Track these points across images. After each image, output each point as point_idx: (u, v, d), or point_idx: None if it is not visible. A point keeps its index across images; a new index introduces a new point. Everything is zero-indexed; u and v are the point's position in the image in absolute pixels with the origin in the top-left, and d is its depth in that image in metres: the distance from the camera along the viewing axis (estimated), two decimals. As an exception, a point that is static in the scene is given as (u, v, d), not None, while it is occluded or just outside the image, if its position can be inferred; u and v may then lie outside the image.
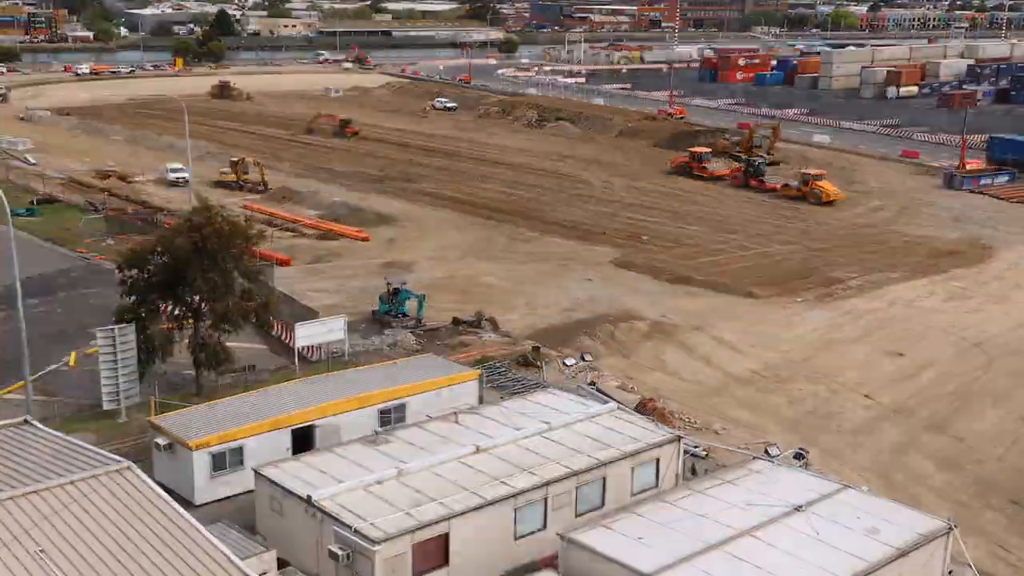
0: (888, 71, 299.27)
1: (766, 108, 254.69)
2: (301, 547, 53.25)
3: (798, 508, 51.53)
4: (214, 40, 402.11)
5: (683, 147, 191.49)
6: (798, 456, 66.65)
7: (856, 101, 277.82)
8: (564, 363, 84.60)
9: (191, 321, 75.92)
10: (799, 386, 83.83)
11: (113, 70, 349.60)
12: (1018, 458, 72.83)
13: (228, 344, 77.26)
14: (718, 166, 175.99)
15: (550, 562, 50.03)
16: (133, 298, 74.99)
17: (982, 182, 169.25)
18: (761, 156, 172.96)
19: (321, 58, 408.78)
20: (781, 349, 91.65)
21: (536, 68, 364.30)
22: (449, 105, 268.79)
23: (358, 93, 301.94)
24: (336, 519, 51.03)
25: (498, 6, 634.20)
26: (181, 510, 44.65)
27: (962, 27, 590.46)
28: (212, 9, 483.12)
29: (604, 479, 57.66)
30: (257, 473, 56.67)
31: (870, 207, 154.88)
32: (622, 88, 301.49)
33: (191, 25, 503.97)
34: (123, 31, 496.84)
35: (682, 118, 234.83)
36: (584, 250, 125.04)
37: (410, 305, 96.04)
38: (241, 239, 75.96)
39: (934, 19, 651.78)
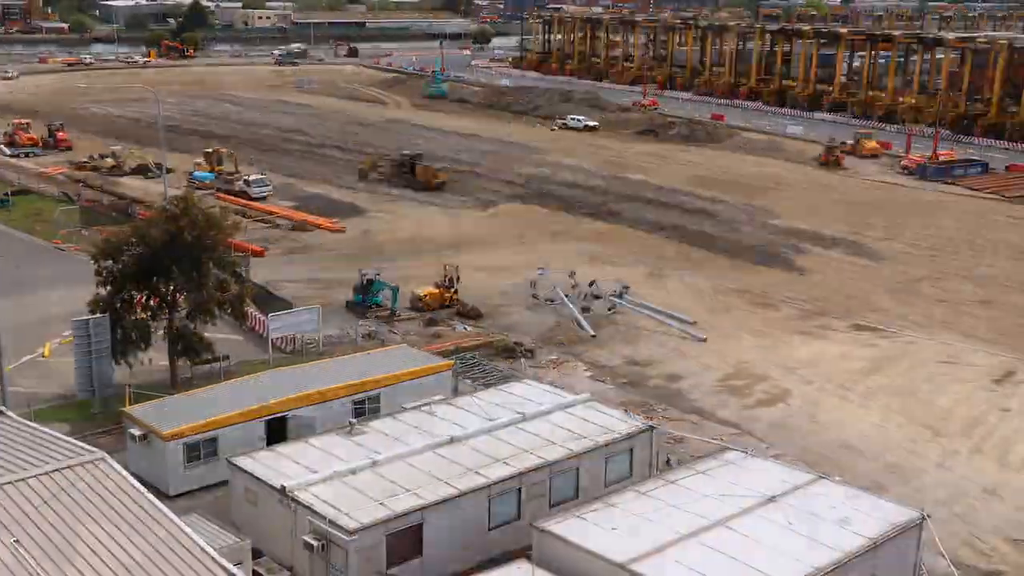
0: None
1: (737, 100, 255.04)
2: (275, 537, 53.20)
3: (771, 499, 51.59)
4: (188, 32, 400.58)
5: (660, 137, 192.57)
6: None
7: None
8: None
9: (166, 312, 75.74)
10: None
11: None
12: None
13: (202, 335, 77.09)
14: None
15: (524, 552, 50.02)
16: (108, 289, 74.79)
17: (954, 172, 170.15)
18: None
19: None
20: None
21: (508, 60, 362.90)
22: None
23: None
24: (310, 509, 51.00)
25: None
26: (155, 501, 44.52)
27: (935, 18, 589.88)
28: (186, 0, 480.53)
29: (578, 470, 57.74)
30: (231, 463, 56.60)
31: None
32: (595, 81, 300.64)
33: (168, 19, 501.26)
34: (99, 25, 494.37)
35: (656, 109, 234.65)
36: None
37: (385, 295, 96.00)
38: (216, 230, 75.77)
39: (910, 10, 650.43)
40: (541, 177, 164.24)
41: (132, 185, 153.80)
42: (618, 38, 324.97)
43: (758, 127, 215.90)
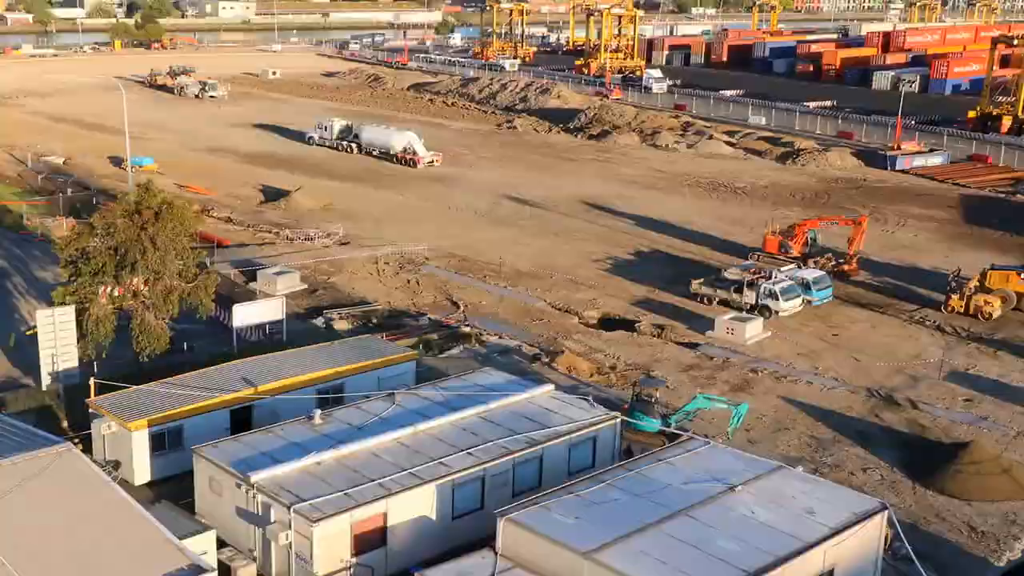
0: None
1: (700, 91, 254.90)
2: (240, 527, 53.11)
3: (733, 488, 51.73)
4: (152, 23, 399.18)
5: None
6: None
7: (776, 79, 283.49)
8: None
9: (131, 302, 75.48)
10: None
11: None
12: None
13: (167, 325, 76.86)
14: None
15: (487, 541, 50.09)
16: (73, 279, 74.54)
17: (916, 163, 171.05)
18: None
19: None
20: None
21: (475, 50, 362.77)
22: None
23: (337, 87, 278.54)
24: (275, 499, 50.94)
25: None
26: (120, 490, 44.58)
27: (897, 9, 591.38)
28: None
29: (541, 459, 57.78)
30: (196, 453, 56.45)
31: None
32: (557, 69, 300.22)
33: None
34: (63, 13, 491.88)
35: (619, 100, 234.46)
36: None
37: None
38: (181, 221, 75.54)
39: (870, 1, 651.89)
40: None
41: (99, 175, 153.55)
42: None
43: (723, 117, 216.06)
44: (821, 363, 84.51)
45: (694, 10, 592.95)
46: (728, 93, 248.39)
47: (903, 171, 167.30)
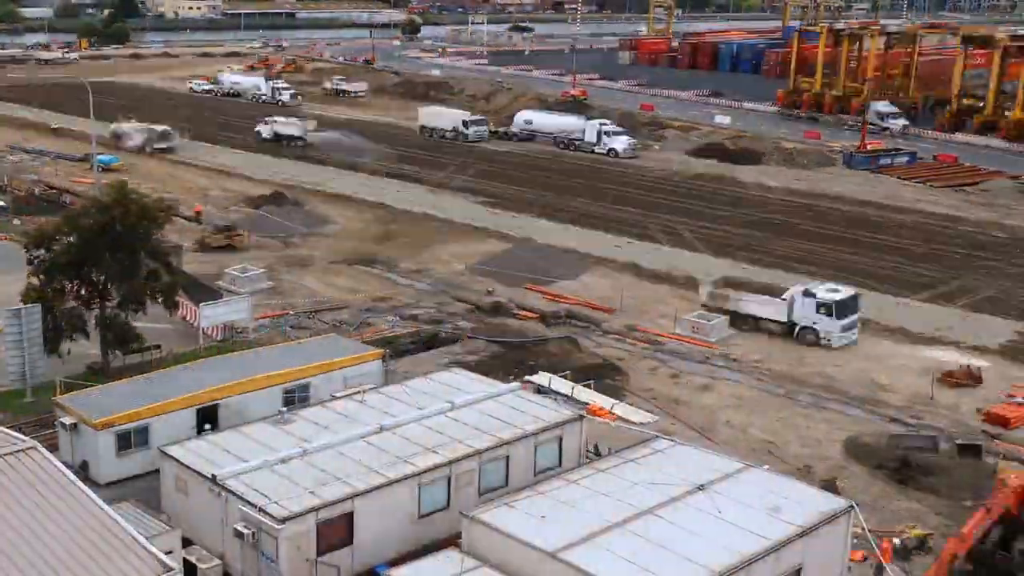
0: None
1: (670, 90, 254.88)
2: (206, 526, 52.71)
3: (701, 487, 51.50)
4: (119, 22, 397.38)
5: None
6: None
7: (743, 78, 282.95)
8: None
9: (98, 301, 75.06)
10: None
11: None
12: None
13: (135, 324, 76.44)
14: None
15: (453, 540, 49.89)
16: (40, 278, 74.09)
17: (881, 162, 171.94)
18: None
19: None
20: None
21: (440, 49, 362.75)
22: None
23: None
24: (241, 498, 50.56)
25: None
26: (86, 489, 44.16)
27: (863, 8, 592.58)
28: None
29: (507, 458, 57.52)
30: (162, 452, 56.03)
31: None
32: (524, 69, 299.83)
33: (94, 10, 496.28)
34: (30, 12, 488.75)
35: (584, 99, 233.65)
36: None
37: None
38: (149, 220, 75.14)
39: (836, 0, 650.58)
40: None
41: (65, 175, 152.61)
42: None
43: (691, 118, 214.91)
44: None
45: (659, 10, 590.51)
46: (692, 92, 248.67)
47: (868, 169, 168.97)
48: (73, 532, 41.02)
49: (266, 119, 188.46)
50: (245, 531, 49.46)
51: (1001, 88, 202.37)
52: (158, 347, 79.37)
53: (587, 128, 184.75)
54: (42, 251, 73.89)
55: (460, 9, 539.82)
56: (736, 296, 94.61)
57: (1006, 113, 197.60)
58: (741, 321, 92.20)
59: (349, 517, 51.18)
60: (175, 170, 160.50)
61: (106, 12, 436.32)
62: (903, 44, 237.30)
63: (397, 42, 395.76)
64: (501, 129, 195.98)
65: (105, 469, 60.01)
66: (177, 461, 54.70)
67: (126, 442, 60.57)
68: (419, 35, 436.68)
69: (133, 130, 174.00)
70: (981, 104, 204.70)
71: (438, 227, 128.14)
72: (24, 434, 49.78)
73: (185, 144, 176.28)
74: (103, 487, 56.80)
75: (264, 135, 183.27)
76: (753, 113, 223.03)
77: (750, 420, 74.59)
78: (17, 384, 71.85)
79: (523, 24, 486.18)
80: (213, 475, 52.18)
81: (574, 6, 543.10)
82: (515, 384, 66.87)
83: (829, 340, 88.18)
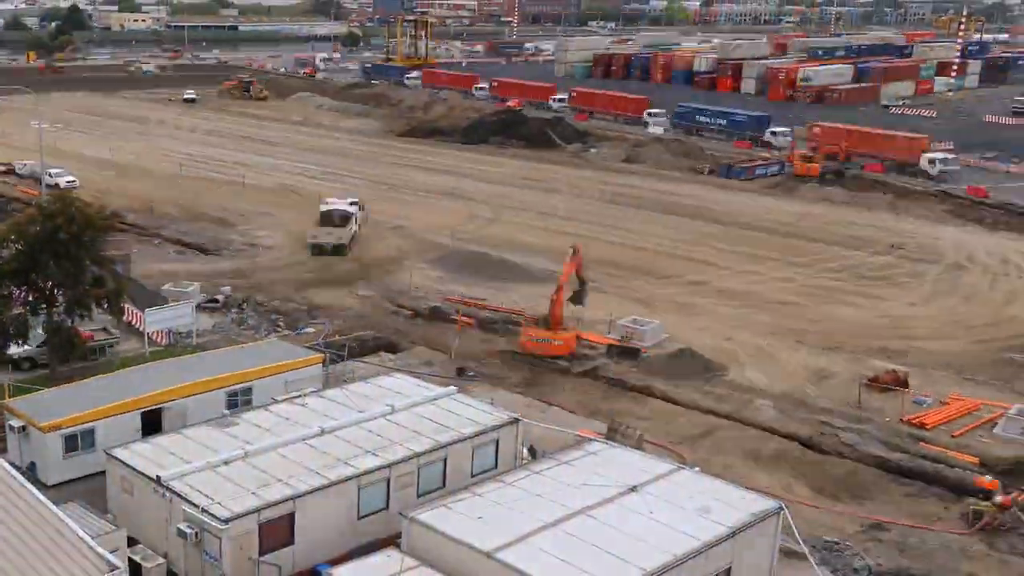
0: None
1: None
2: (151, 526, 52.54)
3: (633, 488, 51.72)
4: (66, 35, 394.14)
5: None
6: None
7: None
8: None
9: (45, 307, 74.58)
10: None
11: None
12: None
13: (80, 329, 76.03)
14: None
15: (393, 540, 49.87)
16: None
17: (757, 172, 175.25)
18: None
19: None
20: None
21: (380, 61, 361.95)
22: None
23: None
24: (184, 499, 50.47)
25: (341, 1, 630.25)
26: (34, 490, 43.90)
27: (792, 21, 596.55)
28: (63, 4, 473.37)
29: (445, 460, 57.56)
30: (108, 454, 55.80)
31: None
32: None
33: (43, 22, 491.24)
34: None
35: (520, 110, 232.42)
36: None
37: None
38: (93, 229, 74.68)
39: (766, 14, 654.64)
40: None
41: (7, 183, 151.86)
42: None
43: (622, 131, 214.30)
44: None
45: (593, 23, 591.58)
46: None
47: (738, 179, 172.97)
48: (21, 532, 40.77)
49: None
50: (189, 531, 49.36)
51: None
52: (104, 351, 79.07)
53: None
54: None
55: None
56: None
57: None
58: None
59: (290, 517, 51.17)
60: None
61: (53, 25, 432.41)
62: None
63: (337, 54, 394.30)
64: None
65: (52, 471, 59.81)
66: (122, 463, 54.48)
67: (73, 444, 60.38)
68: (359, 47, 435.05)
69: None
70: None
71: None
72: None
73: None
74: (51, 488, 56.64)
75: None
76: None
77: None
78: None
79: (461, 35, 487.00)
80: (158, 476, 52.02)
81: (510, 19, 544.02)
82: (452, 388, 66.86)
83: None
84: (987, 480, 65.76)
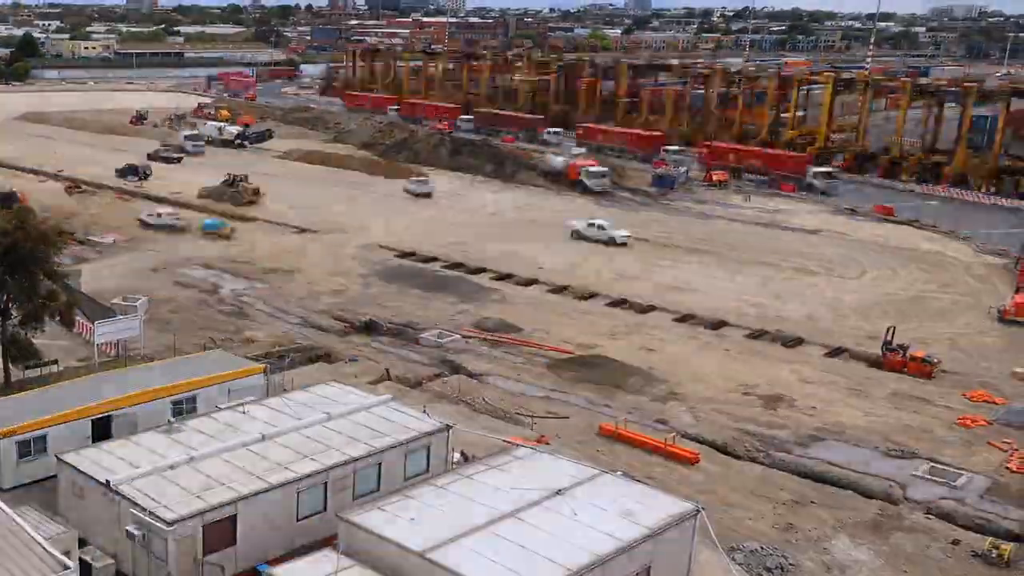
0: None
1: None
2: (100, 528, 52.59)
3: (558, 492, 52.00)
4: (20, 61, 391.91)
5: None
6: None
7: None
8: None
9: (0, 319, 74.30)
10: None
11: None
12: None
13: (33, 340, 75.73)
14: None
15: (330, 541, 50.05)
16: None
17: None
18: None
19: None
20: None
21: (316, 87, 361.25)
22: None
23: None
24: (132, 502, 50.55)
25: (282, 30, 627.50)
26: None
27: (708, 48, 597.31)
28: (18, 32, 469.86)
29: (380, 465, 57.79)
30: (59, 459, 55.73)
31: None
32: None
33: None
34: None
35: (450, 133, 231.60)
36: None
37: None
38: (48, 245, 74.45)
39: (683, 41, 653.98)
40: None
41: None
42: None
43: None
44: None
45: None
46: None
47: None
48: (-25, 534, 40.79)
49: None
50: (136, 532, 49.48)
51: None
52: (55, 362, 78.69)
53: None
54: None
55: (336, 50, 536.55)
56: None
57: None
58: None
59: (233, 520, 51.33)
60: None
61: (8, 51, 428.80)
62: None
63: (278, 80, 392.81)
64: None
65: (6, 475, 59.58)
66: (73, 467, 54.45)
67: (26, 450, 60.16)
68: (299, 74, 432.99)
69: None
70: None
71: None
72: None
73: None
74: (4, 492, 56.53)
75: None
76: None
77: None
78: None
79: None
80: (107, 480, 52.09)
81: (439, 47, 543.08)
82: (387, 396, 67.12)
83: None
84: None
